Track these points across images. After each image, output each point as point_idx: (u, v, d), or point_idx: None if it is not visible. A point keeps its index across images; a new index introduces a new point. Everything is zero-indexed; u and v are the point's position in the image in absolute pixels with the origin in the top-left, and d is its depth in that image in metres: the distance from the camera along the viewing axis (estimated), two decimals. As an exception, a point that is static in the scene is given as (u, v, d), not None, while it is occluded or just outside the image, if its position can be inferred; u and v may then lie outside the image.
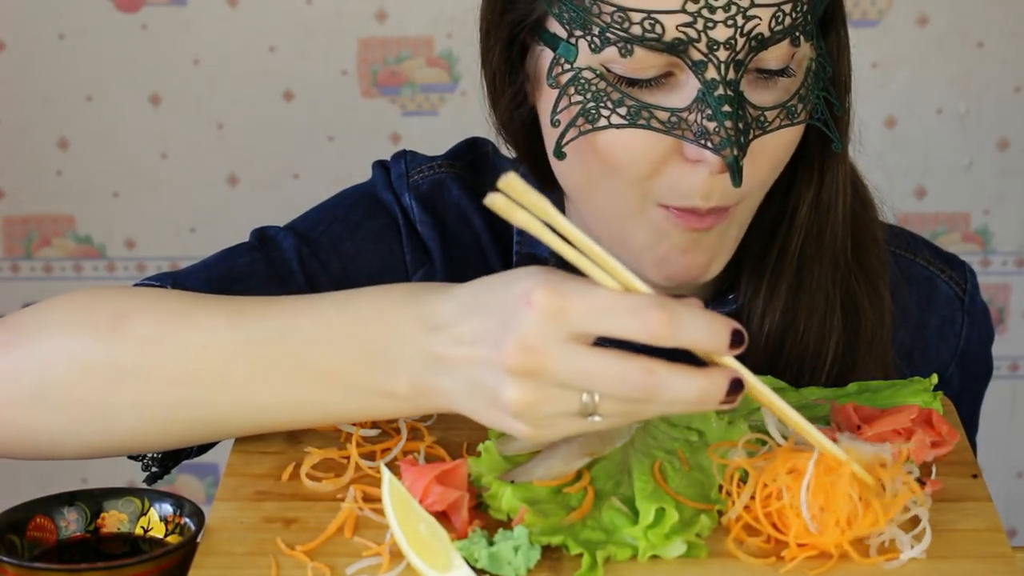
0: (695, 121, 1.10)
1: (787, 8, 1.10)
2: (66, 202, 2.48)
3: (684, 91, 1.11)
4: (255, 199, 2.48)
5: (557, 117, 1.13)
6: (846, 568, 0.97)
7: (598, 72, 1.12)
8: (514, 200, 0.91)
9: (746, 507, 1.01)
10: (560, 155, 1.14)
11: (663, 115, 1.11)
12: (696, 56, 1.09)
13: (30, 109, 2.44)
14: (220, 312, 1.05)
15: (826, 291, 1.22)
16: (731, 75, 1.09)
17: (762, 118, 1.12)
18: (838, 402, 1.12)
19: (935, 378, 1.16)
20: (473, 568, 0.96)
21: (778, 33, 1.10)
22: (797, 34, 1.11)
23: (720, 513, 1.02)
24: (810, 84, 1.14)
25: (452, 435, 1.14)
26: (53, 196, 2.48)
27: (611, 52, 1.10)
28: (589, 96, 1.12)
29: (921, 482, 1.04)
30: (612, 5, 1.09)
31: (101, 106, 2.44)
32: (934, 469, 1.07)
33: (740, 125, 1.09)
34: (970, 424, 1.36)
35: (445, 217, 1.30)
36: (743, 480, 1.03)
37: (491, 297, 0.95)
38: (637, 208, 1.16)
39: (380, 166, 1.34)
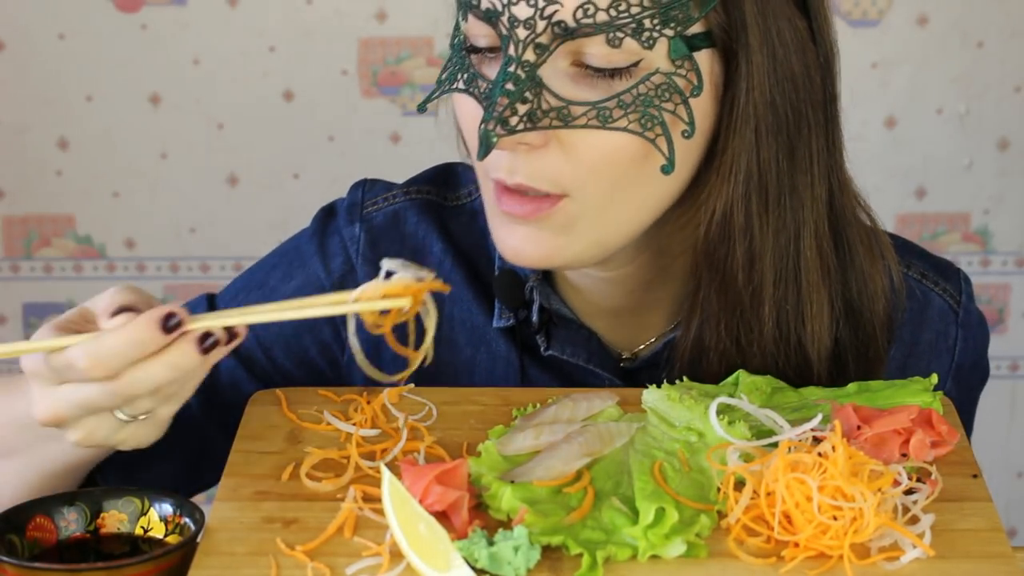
0: (490, 92, 1.11)
1: (602, 3, 1.08)
2: (66, 202, 2.48)
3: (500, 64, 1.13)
4: (255, 199, 2.48)
5: (441, 76, 1.18)
6: (846, 568, 0.97)
7: (463, 38, 1.16)
8: None
9: (747, 508, 1.01)
10: (421, 108, 1.19)
11: (483, 85, 1.13)
12: (503, 30, 1.11)
13: (30, 109, 2.44)
14: None
15: (728, 309, 1.19)
16: (529, 56, 1.10)
17: (565, 111, 1.10)
18: (838, 402, 1.12)
19: (935, 378, 1.16)
20: (473, 568, 0.96)
21: (586, 26, 1.08)
22: (618, 35, 1.09)
23: (720, 514, 1.02)
24: (642, 94, 1.10)
25: (452, 435, 1.14)
26: (53, 196, 2.48)
27: (461, 16, 1.15)
28: (455, 60, 1.17)
29: (921, 482, 1.04)
30: None
31: (101, 106, 2.44)
32: (934, 469, 1.07)
33: (519, 106, 1.09)
34: (966, 426, 1.36)
35: (401, 248, 1.30)
36: (740, 484, 1.03)
37: None
38: (484, 181, 1.18)
39: (323, 213, 1.34)
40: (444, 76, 1.18)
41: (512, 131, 1.09)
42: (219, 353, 1.03)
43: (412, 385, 1.20)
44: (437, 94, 1.18)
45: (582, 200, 1.14)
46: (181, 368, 1.01)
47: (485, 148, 1.09)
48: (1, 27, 2.40)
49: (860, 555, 0.98)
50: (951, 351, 1.29)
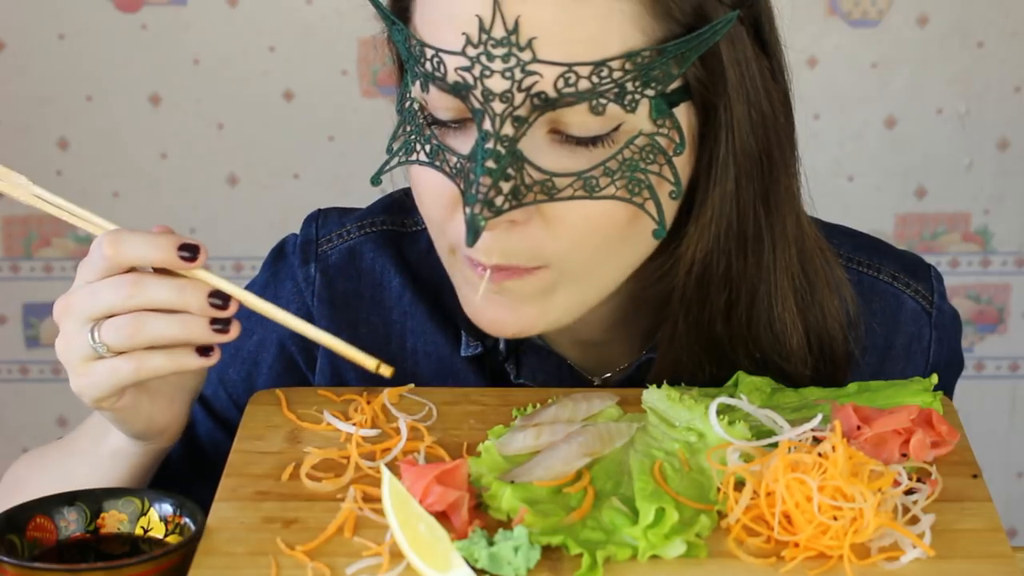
0: (470, 171, 1.06)
1: (583, 71, 1.03)
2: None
3: (473, 138, 1.07)
4: (255, 199, 2.48)
5: (392, 144, 1.12)
6: (846, 568, 0.97)
7: (419, 106, 1.10)
8: None
9: (747, 508, 1.01)
10: (375, 181, 1.13)
11: (453, 160, 1.08)
12: (475, 104, 1.05)
13: (30, 109, 2.44)
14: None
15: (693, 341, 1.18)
16: (507, 130, 1.04)
17: (549, 184, 1.05)
18: (838, 402, 1.12)
19: (935, 378, 1.16)
20: (473, 568, 0.96)
21: (568, 95, 1.04)
22: (602, 101, 1.04)
23: (720, 514, 1.02)
24: (627, 158, 1.06)
25: (452, 435, 1.14)
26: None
27: (419, 86, 1.09)
28: (412, 129, 1.11)
29: (921, 482, 1.04)
30: (416, 39, 1.08)
31: (101, 106, 2.44)
32: (934, 469, 1.07)
33: (502, 184, 1.04)
34: None
35: (360, 285, 1.27)
36: (740, 484, 1.03)
37: None
38: (450, 253, 1.13)
39: (272, 257, 1.30)
40: (397, 145, 1.12)
41: (499, 212, 1.04)
42: (211, 360, 1.07)
43: (412, 385, 1.20)
44: (392, 165, 1.13)
45: (561, 269, 1.10)
46: (185, 304, 1.05)
47: (474, 234, 1.04)
48: (1, 27, 2.40)
49: (860, 555, 0.98)
50: (925, 353, 1.27)
